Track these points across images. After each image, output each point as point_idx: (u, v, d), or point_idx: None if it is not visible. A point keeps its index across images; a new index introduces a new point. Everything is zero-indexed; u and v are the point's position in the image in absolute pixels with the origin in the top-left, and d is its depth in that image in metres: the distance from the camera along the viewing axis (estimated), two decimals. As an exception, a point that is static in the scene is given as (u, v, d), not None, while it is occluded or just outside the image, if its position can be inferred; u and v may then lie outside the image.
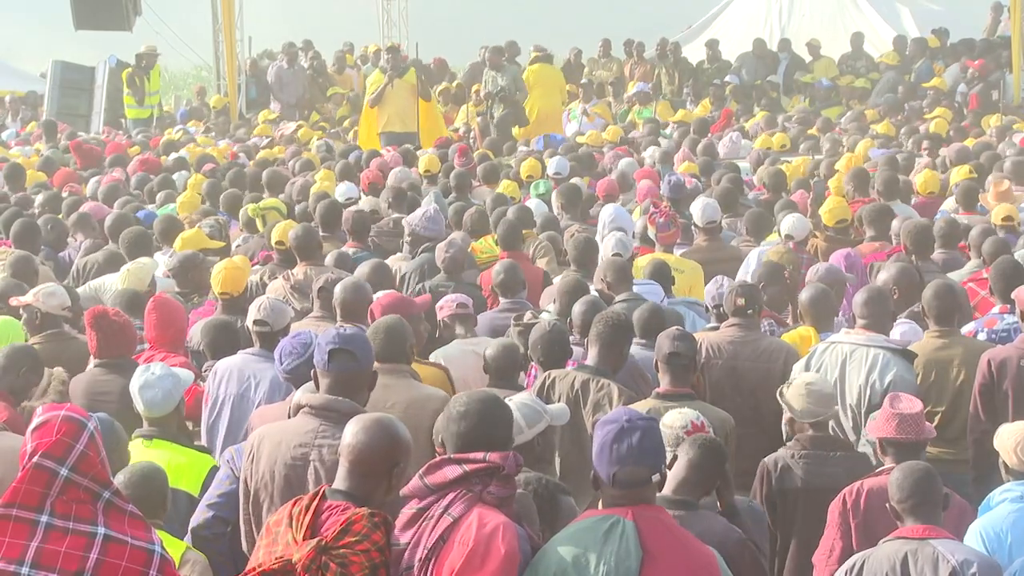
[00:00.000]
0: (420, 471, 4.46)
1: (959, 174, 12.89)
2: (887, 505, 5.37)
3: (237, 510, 5.54)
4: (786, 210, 11.43)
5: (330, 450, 5.07)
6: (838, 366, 7.13)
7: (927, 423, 6.12)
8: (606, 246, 9.11)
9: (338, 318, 7.59)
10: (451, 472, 4.39)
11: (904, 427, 5.96)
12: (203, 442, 7.04)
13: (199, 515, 5.71)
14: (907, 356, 7.14)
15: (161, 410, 6.23)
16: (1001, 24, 25.63)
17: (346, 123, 22.28)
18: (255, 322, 7.28)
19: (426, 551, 4.31)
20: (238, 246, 11.22)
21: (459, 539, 4.29)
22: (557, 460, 6.38)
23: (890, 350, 7.06)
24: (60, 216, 12.48)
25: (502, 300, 8.68)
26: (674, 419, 5.72)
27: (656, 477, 4.48)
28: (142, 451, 6.09)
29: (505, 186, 13.44)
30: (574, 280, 8.47)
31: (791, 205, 11.89)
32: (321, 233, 10.46)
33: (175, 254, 9.94)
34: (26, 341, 7.99)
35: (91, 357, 7.55)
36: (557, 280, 9.41)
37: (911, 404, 6.06)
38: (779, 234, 11.01)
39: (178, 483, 5.93)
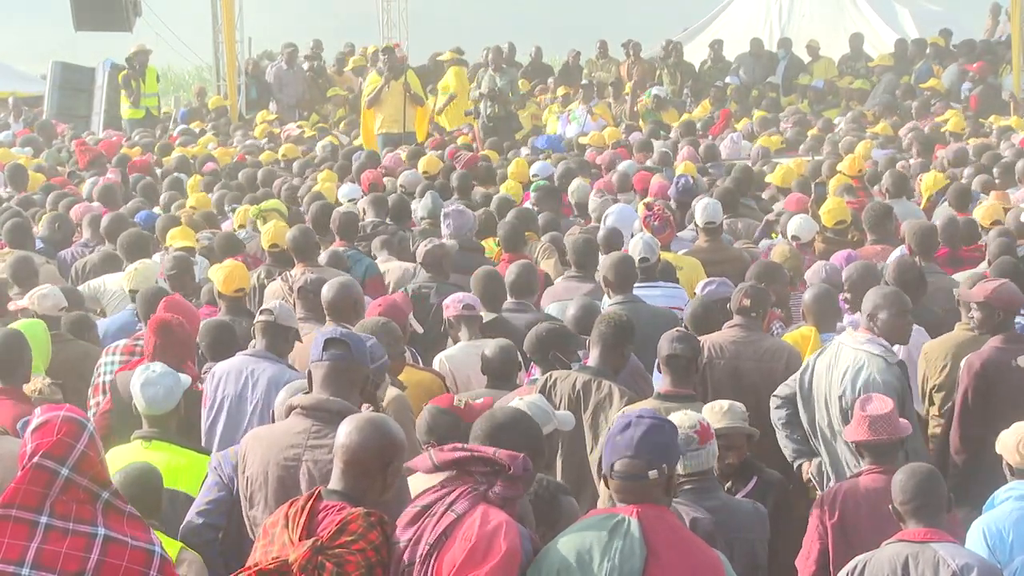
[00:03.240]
0: (431, 449, 4.52)
1: (935, 182, 12.72)
2: (890, 507, 5.37)
3: (226, 516, 5.60)
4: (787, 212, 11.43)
5: (323, 451, 5.06)
6: (827, 366, 7.01)
7: (902, 420, 6.10)
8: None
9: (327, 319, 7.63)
10: (457, 453, 4.44)
11: (877, 428, 5.97)
12: (203, 444, 7.03)
13: (188, 522, 5.71)
14: (895, 361, 6.87)
15: (162, 407, 6.22)
16: (1000, 26, 25.66)
17: (343, 125, 22.21)
18: (261, 311, 7.27)
19: (428, 546, 4.34)
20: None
21: (461, 535, 4.32)
22: (559, 462, 6.37)
23: (873, 353, 6.80)
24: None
25: (509, 300, 8.65)
26: (681, 420, 5.72)
27: (654, 473, 4.45)
28: (141, 452, 6.09)
29: (508, 187, 13.45)
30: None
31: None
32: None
33: (168, 257, 9.88)
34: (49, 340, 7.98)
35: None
36: (559, 281, 9.40)
37: (882, 404, 6.05)
38: (778, 234, 11.00)
39: (177, 484, 5.94)
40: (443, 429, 5.67)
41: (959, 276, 9.01)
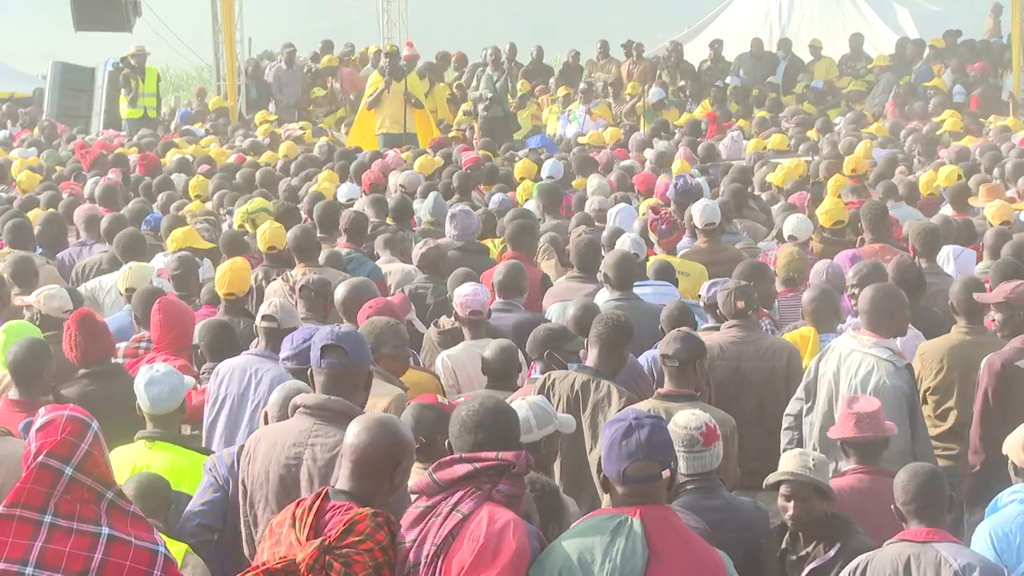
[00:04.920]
0: (430, 468, 4.49)
1: (948, 177, 12.81)
2: (892, 507, 5.37)
3: (222, 517, 5.62)
4: (786, 211, 11.43)
5: (323, 449, 5.07)
6: (835, 369, 7.04)
7: (888, 423, 6.14)
8: (621, 246, 9.08)
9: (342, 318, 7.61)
10: (461, 469, 4.42)
11: (863, 425, 6.00)
12: (203, 443, 7.03)
13: (185, 523, 5.72)
14: (903, 365, 6.93)
15: (167, 406, 6.22)
16: (1001, 27, 25.66)
17: (343, 127, 22.13)
18: (263, 317, 7.29)
19: (434, 547, 4.33)
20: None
21: (469, 535, 4.31)
22: (558, 464, 6.38)
23: (881, 358, 6.87)
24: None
25: (496, 300, 8.67)
26: (688, 420, 5.71)
27: (666, 472, 4.48)
28: (144, 453, 6.09)
29: (524, 187, 13.48)
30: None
31: (790, 207, 11.89)
32: (319, 234, 10.46)
33: (172, 257, 9.89)
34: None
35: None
36: (560, 282, 9.41)
37: (868, 403, 6.10)
38: (780, 235, 11.00)
39: (180, 485, 5.92)
40: (429, 424, 5.67)
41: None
